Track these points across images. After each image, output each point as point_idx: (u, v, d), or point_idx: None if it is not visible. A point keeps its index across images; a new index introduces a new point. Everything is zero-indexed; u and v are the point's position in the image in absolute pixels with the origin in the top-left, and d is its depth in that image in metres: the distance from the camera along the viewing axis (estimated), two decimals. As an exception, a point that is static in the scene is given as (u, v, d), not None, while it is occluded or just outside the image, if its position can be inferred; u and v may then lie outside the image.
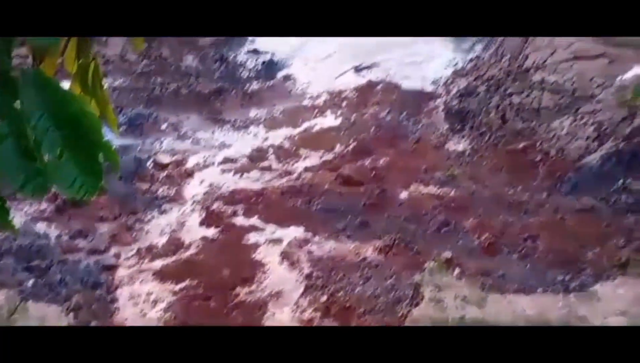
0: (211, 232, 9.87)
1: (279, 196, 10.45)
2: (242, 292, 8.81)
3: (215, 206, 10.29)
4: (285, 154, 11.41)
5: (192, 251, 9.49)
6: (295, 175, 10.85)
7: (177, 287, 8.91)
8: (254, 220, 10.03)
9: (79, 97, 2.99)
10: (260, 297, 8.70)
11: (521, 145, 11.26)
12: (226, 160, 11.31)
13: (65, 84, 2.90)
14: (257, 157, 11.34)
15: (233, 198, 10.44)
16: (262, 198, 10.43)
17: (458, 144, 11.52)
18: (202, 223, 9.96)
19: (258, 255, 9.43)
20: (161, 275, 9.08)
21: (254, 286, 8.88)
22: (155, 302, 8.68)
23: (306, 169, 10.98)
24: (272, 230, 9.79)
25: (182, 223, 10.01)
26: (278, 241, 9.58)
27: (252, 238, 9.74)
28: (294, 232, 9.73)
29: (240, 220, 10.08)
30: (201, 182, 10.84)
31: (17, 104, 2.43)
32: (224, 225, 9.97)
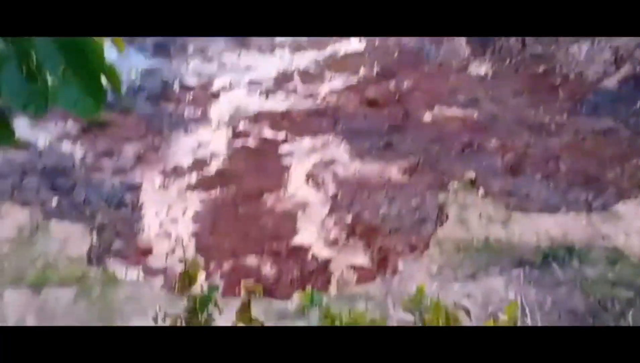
0: (237, 144, 10.13)
1: (304, 117, 10.57)
2: (270, 199, 9.01)
3: (241, 126, 10.42)
4: (310, 77, 11.47)
5: (218, 165, 9.68)
6: (320, 98, 10.93)
7: (205, 196, 9.08)
8: (281, 134, 10.31)
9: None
10: (287, 207, 8.90)
11: (541, 69, 11.36)
12: (252, 82, 11.39)
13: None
14: (282, 80, 11.41)
15: (259, 118, 10.58)
16: (288, 119, 10.56)
17: (480, 68, 11.58)
18: (228, 142, 10.11)
19: (285, 162, 9.71)
20: (188, 189, 9.23)
21: (281, 193, 9.10)
22: (184, 211, 8.84)
23: (331, 91, 11.06)
24: (297, 149, 9.93)
25: (208, 142, 10.13)
26: (303, 161, 9.71)
27: (279, 150, 10.02)
28: (319, 153, 9.85)
29: (266, 134, 10.34)
30: (227, 103, 10.93)
31: None
32: (250, 140, 10.20)
